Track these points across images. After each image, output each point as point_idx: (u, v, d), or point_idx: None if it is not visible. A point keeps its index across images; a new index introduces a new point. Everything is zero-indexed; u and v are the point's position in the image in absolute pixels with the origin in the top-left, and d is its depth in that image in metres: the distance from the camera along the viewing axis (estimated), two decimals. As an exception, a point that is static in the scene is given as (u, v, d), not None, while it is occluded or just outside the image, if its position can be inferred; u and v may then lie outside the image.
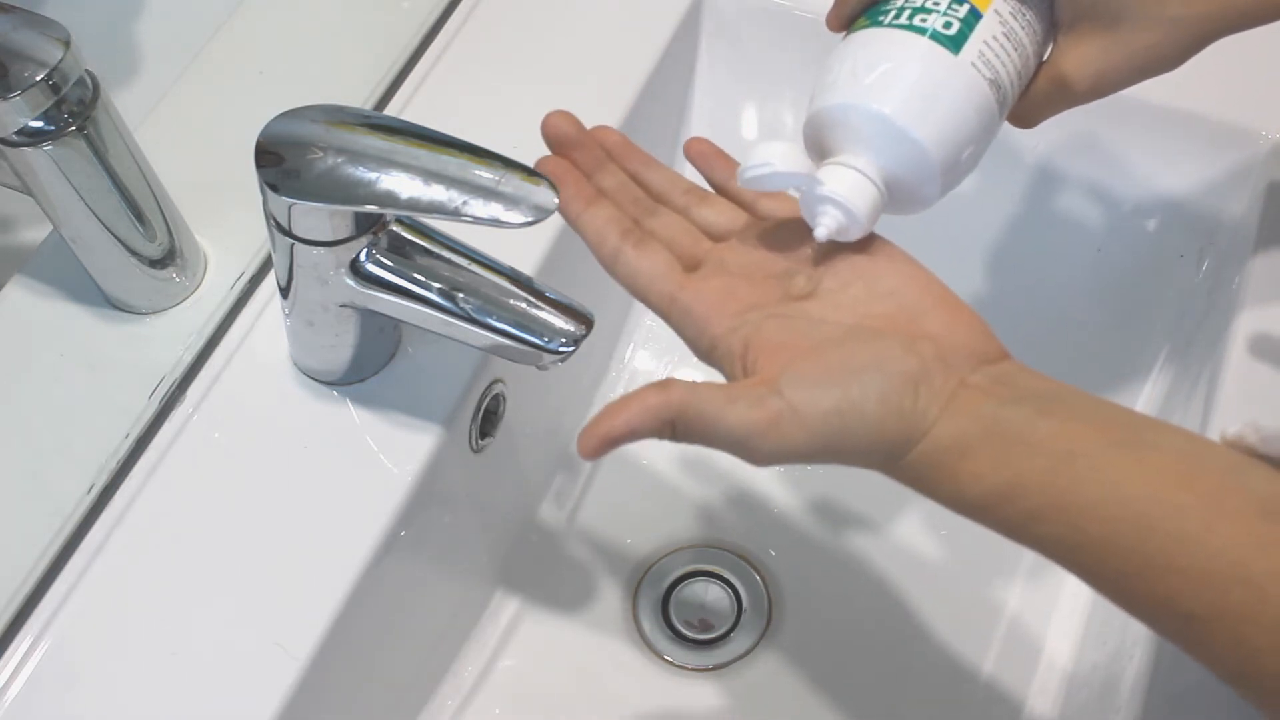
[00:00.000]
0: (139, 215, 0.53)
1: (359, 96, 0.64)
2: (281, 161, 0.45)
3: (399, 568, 0.53)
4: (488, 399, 0.58)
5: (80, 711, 0.47)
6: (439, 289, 0.48)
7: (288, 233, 0.47)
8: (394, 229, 0.49)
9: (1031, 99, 0.48)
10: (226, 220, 0.58)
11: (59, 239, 0.53)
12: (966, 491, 0.39)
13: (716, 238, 0.47)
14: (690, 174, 0.50)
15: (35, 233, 0.57)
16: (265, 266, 0.59)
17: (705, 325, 0.44)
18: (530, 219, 0.44)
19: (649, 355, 0.74)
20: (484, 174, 0.44)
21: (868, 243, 0.45)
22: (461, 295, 0.49)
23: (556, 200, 0.44)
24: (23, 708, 0.47)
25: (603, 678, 0.64)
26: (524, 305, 0.49)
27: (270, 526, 0.51)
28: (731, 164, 0.48)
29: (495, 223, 0.44)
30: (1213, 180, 0.65)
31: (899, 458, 0.40)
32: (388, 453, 0.53)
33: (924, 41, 0.44)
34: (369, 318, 0.51)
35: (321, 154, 0.45)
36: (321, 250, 0.47)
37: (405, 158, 0.45)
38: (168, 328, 0.56)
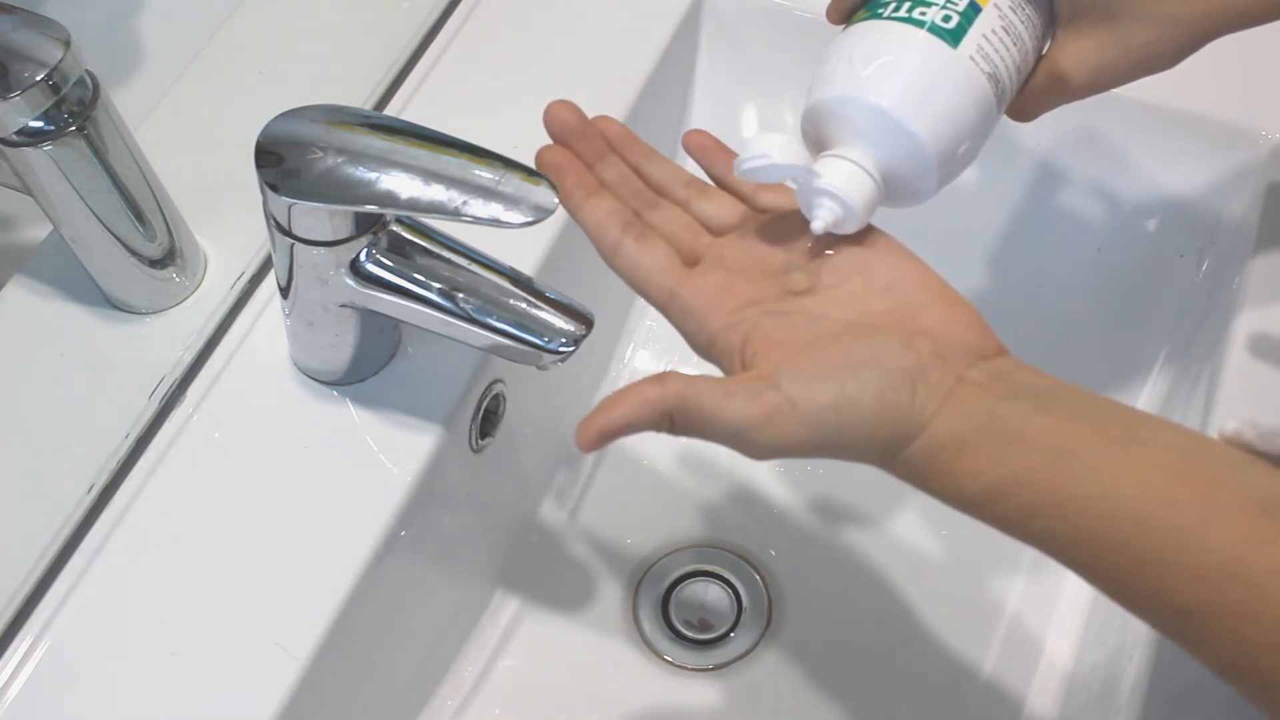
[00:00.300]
0: (139, 215, 0.53)
1: (359, 96, 0.64)
2: (281, 161, 0.45)
3: (399, 568, 0.53)
4: (488, 399, 0.58)
5: (80, 711, 0.47)
6: (439, 289, 0.49)
7: (288, 233, 0.47)
8: (394, 229, 0.49)
9: (1029, 93, 0.48)
10: (226, 220, 0.58)
11: (59, 239, 0.53)
12: (963, 487, 0.39)
13: (716, 231, 0.47)
14: (691, 167, 0.50)
15: (35, 233, 0.57)
16: (265, 266, 0.59)
17: (704, 320, 0.44)
18: (530, 219, 0.44)
19: (649, 355, 0.74)
20: (484, 174, 0.44)
21: (866, 237, 0.45)
22: (461, 295, 0.49)
23: (556, 200, 0.44)
24: (23, 708, 0.47)
25: (603, 678, 0.64)
26: (524, 305, 0.49)
27: (270, 527, 0.51)
28: (730, 156, 0.48)
29: (495, 223, 0.44)
30: (1213, 180, 0.65)
31: (896, 453, 0.40)
32: (388, 453, 0.53)
33: (922, 34, 0.44)
34: (369, 318, 0.51)
35: (321, 154, 0.45)
36: (321, 250, 0.47)
37: (405, 158, 0.45)
38: (168, 328, 0.56)
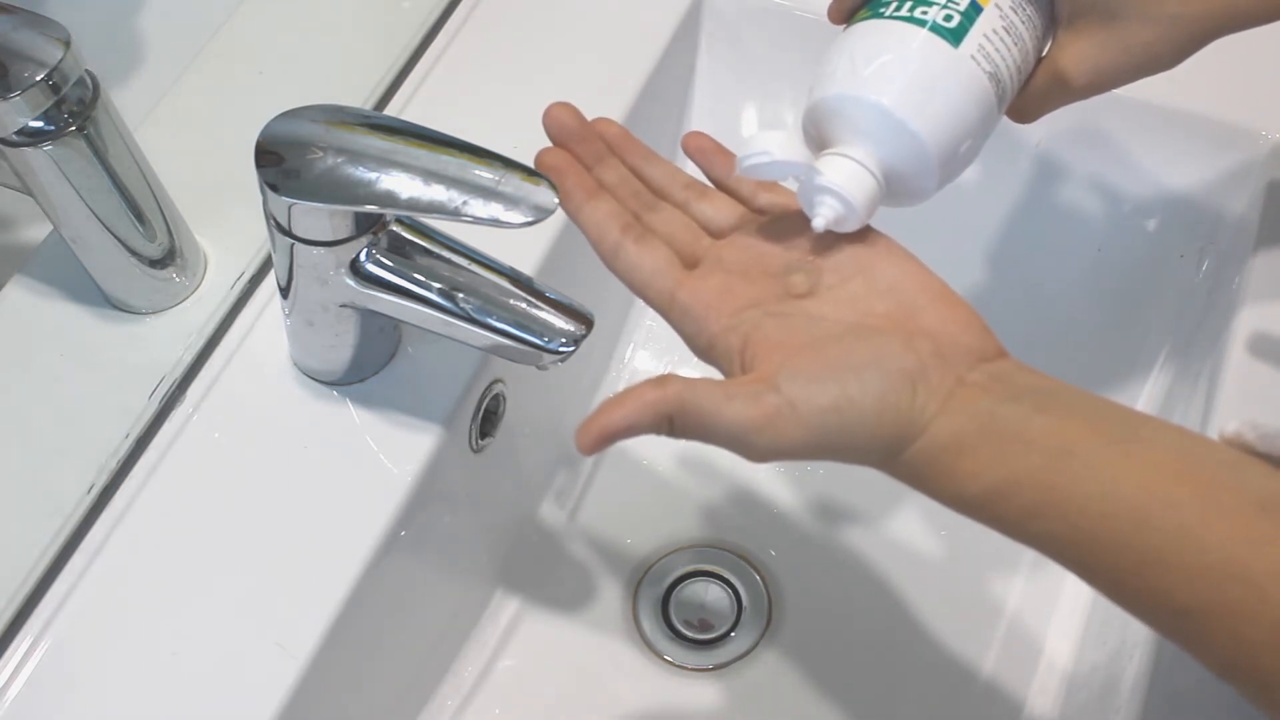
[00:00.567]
0: (139, 215, 0.53)
1: (359, 96, 0.64)
2: (281, 161, 0.45)
3: (399, 568, 0.53)
4: (488, 399, 0.58)
5: (81, 711, 0.47)
6: (439, 289, 0.49)
7: (288, 233, 0.47)
8: (394, 229, 0.49)
9: (1030, 94, 0.48)
10: (226, 220, 0.58)
11: (59, 239, 0.53)
12: (963, 489, 0.39)
13: (715, 233, 0.47)
14: (690, 169, 0.50)
15: (35, 233, 0.57)
16: (265, 266, 0.59)
17: (704, 323, 0.44)
18: (530, 219, 0.44)
19: (649, 355, 0.74)
20: (484, 174, 0.44)
21: (866, 238, 0.45)
22: (461, 295, 0.49)
23: (556, 200, 0.44)
24: (23, 708, 0.47)
25: (603, 678, 0.64)
26: (524, 305, 0.49)
27: (270, 527, 0.51)
28: (730, 158, 0.48)
29: (495, 223, 0.44)
30: (1213, 180, 0.65)
31: (896, 455, 0.40)
32: (388, 453, 0.53)
33: (924, 33, 0.44)
34: (369, 318, 0.51)
35: (321, 154, 0.45)
36: (321, 250, 0.47)
37: (405, 158, 0.45)
38: (168, 328, 0.56)
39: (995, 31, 0.45)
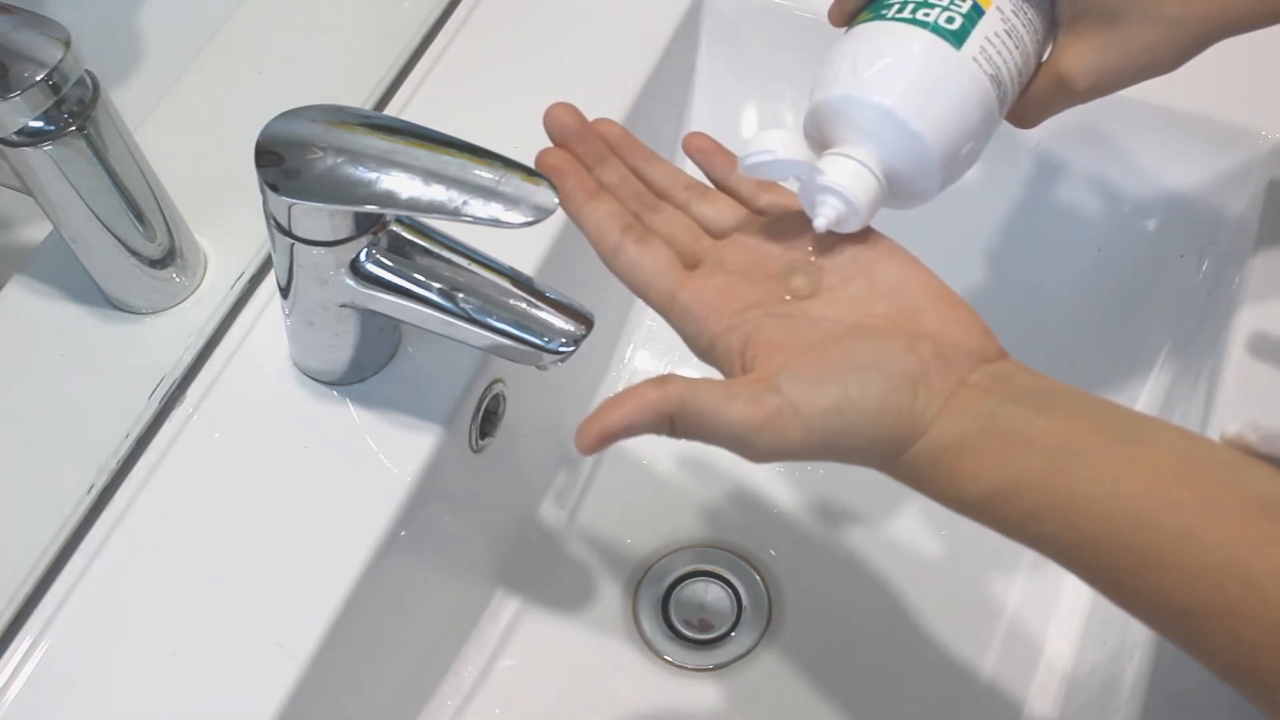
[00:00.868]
0: (139, 215, 0.53)
1: (359, 96, 0.64)
2: (281, 161, 0.45)
3: (399, 568, 0.53)
4: (488, 399, 0.58)
5: (80, 712, 0.47)
6: (439, 289, 0.49)
7: (288, 233, 0.47)
8: (394, 229, 0.49)
9: (1031, 98, 0.48)
10: (226, 220, 0.58)
11: (59, 239, 0.53)
12: (965, 490, 0.39)
13: (716, 234, 0.47)
14: (691, 170, 0.50)
15: (35, 233, 0.57)
16: (265, 266, 0.59)
17: (704, 323, 0.44)
18: (530, 219, 0.44)
19: (649, 355, 0.74)
20: (484, 174, 0.44)
21: (867, 239, 0.45)
22: (461, 295, 0.49)
23: (556, 200, 0.44)
24: (23, 708, 0.47)
25: (603, 678, 0.64)
26: (524, 305, 0.49)
27: (270, 527, 0.51)
28: (730, 159, 0.48)
29: (495, 223, 0.44)
30: (1213, 180, 0.65)
31: (897, 456, 0.40)
32: (388, 453, 0.53)
33: (926, 35, 0.44)
34: (369, 318, 0.51)
35: (321, 154, 0.45)
36: (321, 250, 0.47)
37: (405, 158, 0.45)
38: (168, 328, 0.56)
39: (997, 34, 0.45)
